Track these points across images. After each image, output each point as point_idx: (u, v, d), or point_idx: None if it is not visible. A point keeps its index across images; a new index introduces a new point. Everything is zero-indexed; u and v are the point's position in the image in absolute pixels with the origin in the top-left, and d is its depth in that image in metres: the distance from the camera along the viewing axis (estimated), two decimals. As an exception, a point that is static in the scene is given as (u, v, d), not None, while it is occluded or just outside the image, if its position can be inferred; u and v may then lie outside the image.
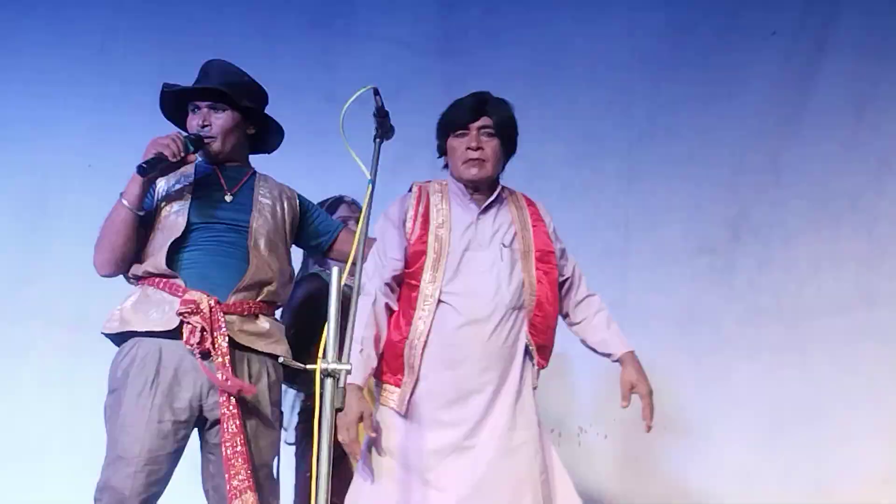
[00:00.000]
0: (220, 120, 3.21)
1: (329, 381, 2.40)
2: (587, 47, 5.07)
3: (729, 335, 4.64)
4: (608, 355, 3.28)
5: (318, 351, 2.40)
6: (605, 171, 4.97)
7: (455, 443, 2.97)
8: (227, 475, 2.92)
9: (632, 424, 4.58)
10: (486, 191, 3.14)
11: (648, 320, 4.73)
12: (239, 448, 2.93)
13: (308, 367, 2.50)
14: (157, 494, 3.00)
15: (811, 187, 4.60)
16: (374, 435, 2.94)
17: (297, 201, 3.38)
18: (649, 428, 3.17)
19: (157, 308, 3.03)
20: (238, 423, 2.95)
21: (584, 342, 3.34)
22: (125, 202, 3.05)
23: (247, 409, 3.03)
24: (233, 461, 2.93)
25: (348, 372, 2.40)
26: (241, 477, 2.92)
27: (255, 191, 3.26)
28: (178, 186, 3.19)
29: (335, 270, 2.46)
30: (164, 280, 3.07)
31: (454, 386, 2.99)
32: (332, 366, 2.39)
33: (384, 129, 2.83)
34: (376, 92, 2.76)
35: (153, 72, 5.12)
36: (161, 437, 2.95)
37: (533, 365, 3.12)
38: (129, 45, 5.22)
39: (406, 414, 3.00)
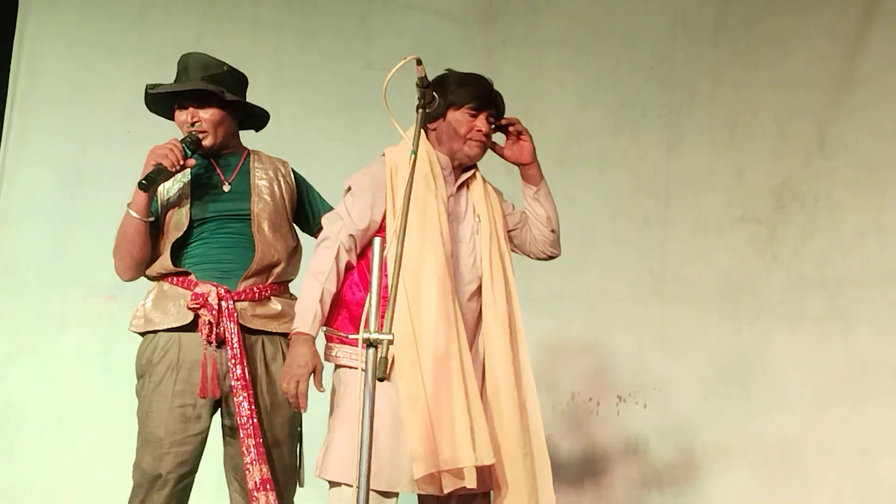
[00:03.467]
0: (207, 115, 3.27)
1: (371, 351, 2.40)
2: (628, 13, 5.00)
3: (771, 305, 4.59)
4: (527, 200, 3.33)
5: None
6: (645, 139, 4.91)
7: None
8: (242, 453, 3.09)
9: (671, 394, 4.61)
10: (462, 168, 3.21)
11: (689, 290, 4.70)
12: (251, 429, 3.08)
13: (350, 336, 2.53)
14: (188, 473, 3.16)
15: (857, 156, 4.51)
16: (322, 391, 2.95)
17: (292, 177, 3.46)
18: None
19: (173, 302, 3.18)
20: (249, 406, 3.09)
21: (534, 218, 3.34)
22: (133, 213, 3.16)
23: (261, 389, 3.19)
24: (246, 441, 3.07)
25: (390, 342, 2.39)
26: (252, 454, 3.07)
27: (252, 174, 3.35)
28: (178, 185, 3.28)
29: (377, 241, 2.47)
30: (177, 277, 3.21)
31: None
32: (375, 335, 2.40)
33: (427, 99, 2.82)
34: (419, 62, 2.73)
35: (191, 39, 5.16)
36: (183, 421, 3.13)
37: None
38: (168, 13, 5.23)
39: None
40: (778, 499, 4.36)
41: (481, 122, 3.13)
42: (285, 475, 3.21)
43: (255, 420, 3.09)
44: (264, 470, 3.07)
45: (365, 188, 3.10)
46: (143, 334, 3.25)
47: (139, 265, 3.24)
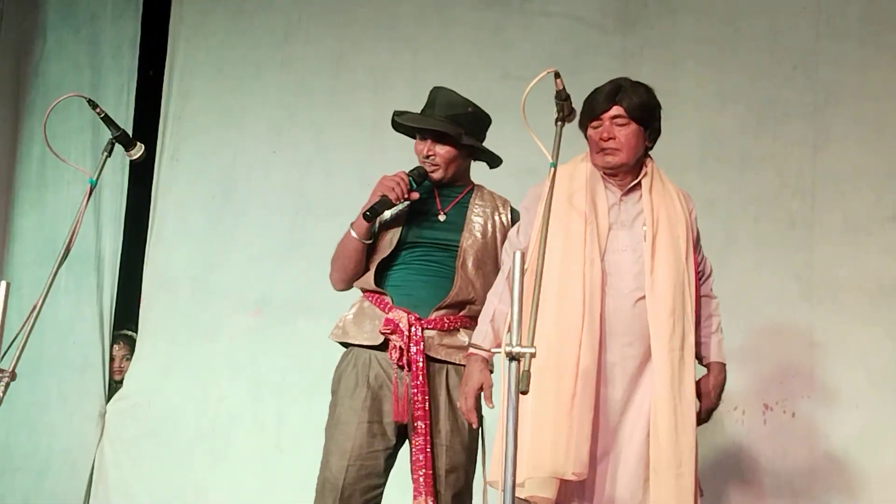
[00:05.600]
0: (443, 151, 3.38)
1: (513, 364, 2.42)
2: (769, 11, 4.89)
3: (926, 307, 4.43)
4: (700, 357, 3.23)
5: None
6: (789, 138, 4.78)
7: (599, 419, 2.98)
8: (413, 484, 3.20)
9: (821, 402, 4.48)
10: (627, 174, 3.15)
11: (837, 293, 4.56)
12: (422, 458, 3.19)
13: (493, 350, 2.56)
14: (375, 487, 3.25)
15: None
16: (492, 407, 2.97)
17: (509, 215, 3.50)
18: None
19: (370, 321, 3.32)
20: (424, 436, 3.19)
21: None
22: (354, 234, 3.31)
23: (443, 415, 3.27)
24: (417, 471, 3.20)
25: (532, 355, 2.40)
26: (420, 484, 3.19)
27: (469, 209, 3.44)
28: (399, 206, 3.38)
29: (517, 255, 2.48)
30: (376, 296, 3.34)
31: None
32: (516, 349, 2.41)
33: (566, 112, 2.82)
34: (557, 75, 2.74)
35: (332, 57, 5.30)
36: (370, 436, 3.23)
37: None
38: (309, 32, 5.37)
39: None
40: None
41: (603, 130, 3.08)
42: (460, 499, 3.29)
43: (428, 451, 3.19)
44: (429, 502, 3.18)
45: (528, 206, 3.17)
46: (342, 344, 3.38)
47: (351, 279, 3.40)
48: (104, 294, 5.37)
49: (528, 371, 2.38)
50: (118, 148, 3.22)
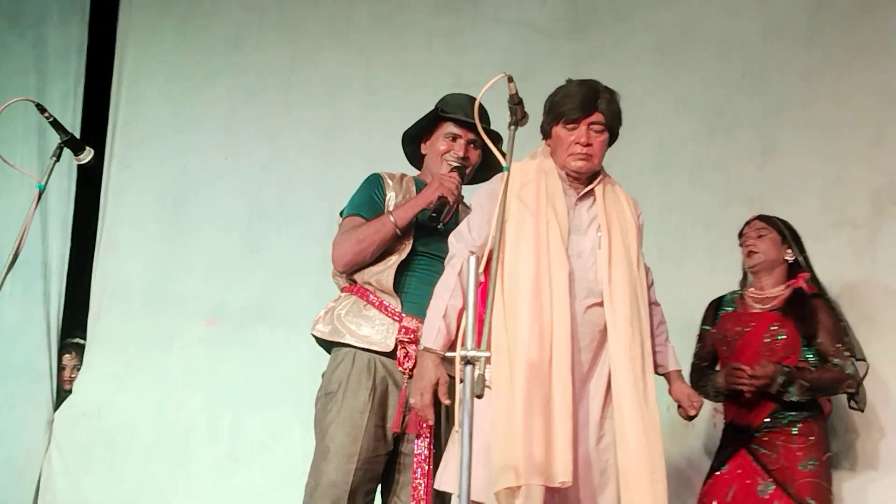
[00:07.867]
0: (474, 155, 3.38)
1: (469, 368, 2.42)
2: (718, 20, 4.95)
3: (872, 312, 4.47)
4: (656, 366, 3.26)
5: None
6: (737, 146, 4.84)
7: None
8: (411, 493, 3.14)
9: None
10: (585, 180, 3.17)
11: (787, 297, 4.60)
12: (426, 467, 3.14)
13: (447, 353, 2.55)
14: (372, 491, 3.24)
15: (960, 157, 4.40)
16: (447, 402, 2.98)
17: None
18: (690, 418, 3.24)
19: (371, 326, 3.24)
20: (429, 446, 3.15)
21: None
22: (395, 221, 3.23)
23: (444, 422, 3.22)
24: (417, 479, 3.14)
25: (487, 359, 2.41)
26: (421, 491, 3.13)
27: (460, 219, 3.35)
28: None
29: (471, 259, 2.49)
30: (381, 299, 3.25)
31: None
32: (472, 353, 2.41)
33: (518, 116, 2.83)
34: (510, 79, 2.74)
35: (285, 62, 5.27)
36: (376, 440, 3.19)
37: None
38: (261, 38, 5.34)
39: None
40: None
41: (579, 135, 3.08)
42: None
43: (431, 462, 3.14)
44: None
45: (482, 204, 3.14)
46: (326, 343, 3.30)
47: (361, 265, 3.28)
48: (51, 301, 5.31)
49: (483, 375, 2.38)
50: (65, 152, 3.18)
